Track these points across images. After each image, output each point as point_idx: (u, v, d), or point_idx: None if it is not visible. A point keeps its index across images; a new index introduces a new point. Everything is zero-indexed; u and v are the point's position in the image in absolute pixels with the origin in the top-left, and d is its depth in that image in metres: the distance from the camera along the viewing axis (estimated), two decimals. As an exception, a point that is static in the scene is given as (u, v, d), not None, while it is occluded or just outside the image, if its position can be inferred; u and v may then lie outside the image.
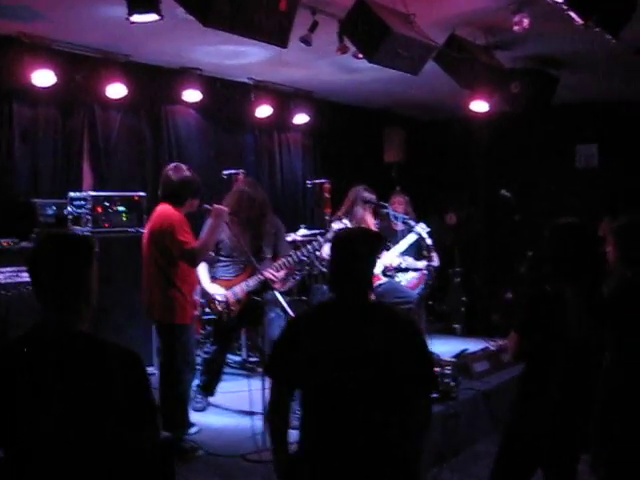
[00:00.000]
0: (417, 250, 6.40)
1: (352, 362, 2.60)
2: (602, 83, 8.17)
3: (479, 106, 7.92)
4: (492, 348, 6.36)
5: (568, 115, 8.89)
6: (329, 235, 5.41)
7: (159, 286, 4.51)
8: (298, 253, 5.18)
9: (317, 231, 7.66)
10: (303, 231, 7.50)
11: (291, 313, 4.23)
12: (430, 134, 10.12)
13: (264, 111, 8.14)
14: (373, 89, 8.52)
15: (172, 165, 4.77)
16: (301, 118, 8.59)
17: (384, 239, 2.76)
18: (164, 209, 4.62)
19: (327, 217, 7.67)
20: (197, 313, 4.64)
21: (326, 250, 5.69)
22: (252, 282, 4.97)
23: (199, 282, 4.93)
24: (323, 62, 7.37)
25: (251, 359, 6.91)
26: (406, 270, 6.46)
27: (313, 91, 8.71)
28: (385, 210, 5.98)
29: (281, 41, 4.37)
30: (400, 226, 6.70)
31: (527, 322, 3.37)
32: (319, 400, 2.68)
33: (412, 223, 5.83)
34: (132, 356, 2.11)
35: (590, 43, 6.67)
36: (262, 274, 4.45)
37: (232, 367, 6.69)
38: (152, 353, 6.29)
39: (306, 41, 5.54)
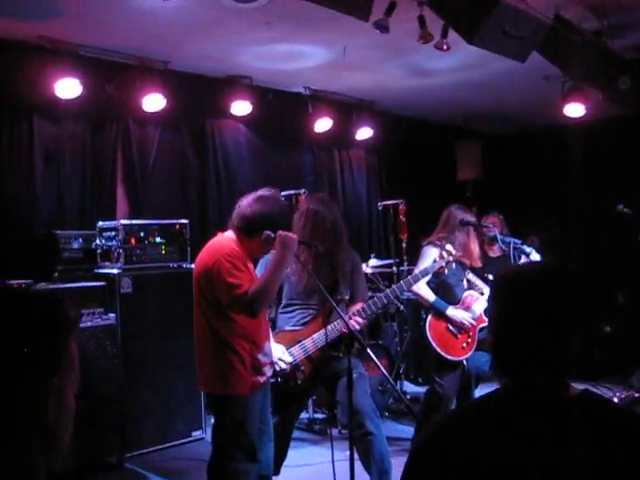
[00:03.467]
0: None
1: None
2: None
3: (574, 110, 6.80)
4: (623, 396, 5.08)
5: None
6: (428, 267, 4.25)
7: (208, 345, 3.36)
8: (388, 294, 4.02)
9: (391, 261, 6.56)
10: (374, 262, 6.40)
11: (386, 374, 3.07)
12: (508, 148, 8.96)
13: (323, 125, 7.13)
14: (446, 97, 7.46)
15: (262, 191, 3.54)
16: (364, 133, 7.56)
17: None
18: (216, 240, 3.49)
19: (404, 244, 6.53)
20: (263, 380, 3.42)
21: (422, 287, 4.54)
22: (331, 333, 3.78)
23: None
24: (392, 64, 6.37)
25: (317, 416, 5.77)
26: None
27: (377, 101, 7.65)
28: (491, 233, 4.83)
29: (363, 12, 3.30)
30: (497, 252, 5.52)
31: None
32: None
33: (526, 249, 4.66)
34: None
35: None
36: (346, 322, 3.24)
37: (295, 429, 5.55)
38: (202, 416, 5.23)
39: (382, 26, 4.50)
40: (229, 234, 3.46)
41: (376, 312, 4.39)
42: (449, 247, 4.25)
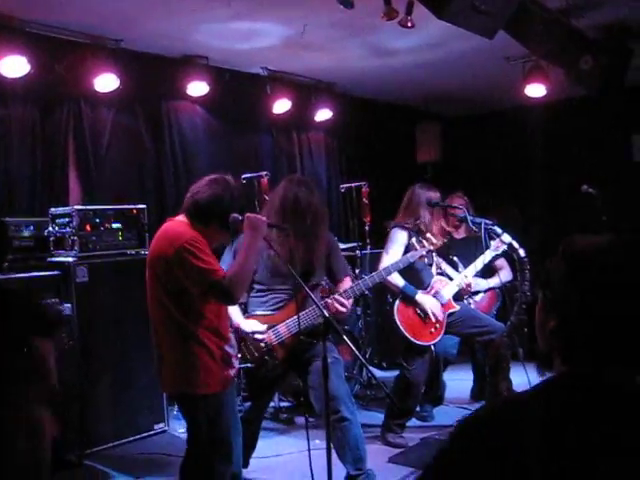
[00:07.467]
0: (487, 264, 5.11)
1: None
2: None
3: (535, 91, 6.75)
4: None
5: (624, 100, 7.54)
6: (409, 256, 4.15)
7: (170, 340, 3.11)
8: (368, 281, 3.93)
9: (353, 244, 6.44)
10: (337, 245, 6.26)
11: (362, 359, 2.95)
12: (468, 129, 8.89)
13: (281, 106, 6.95)
14: (407, 78, 7.36)
15: (214, 175, 3.31)
16: (323, 114, 7.42)
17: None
18: (170, 226, 3.22)
19: (367, 227, 6.42)
20: (233, 373, 3.24)
21: (395, 276, 4.43)
22: (307, 318, 3.65)
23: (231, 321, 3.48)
24: (352, 43, 6.21)
25: (283, 404, 5.64)
26: (476, 293, 5.21)
27: (337, 83, 7.50)
28: (461, 214, 4.73)
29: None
30: (462, 233, 5.43)
31: None
32: None
33: (497, 230, 4.57)
34: None
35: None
36: (326, 305, 3.08)
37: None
38: (164, 408, 5.06)
39: (346, 1, 4.33)
40: (182, 219, 3.22)
41: (358, 296, 4.33)
42: (429, 236, 4.16)
